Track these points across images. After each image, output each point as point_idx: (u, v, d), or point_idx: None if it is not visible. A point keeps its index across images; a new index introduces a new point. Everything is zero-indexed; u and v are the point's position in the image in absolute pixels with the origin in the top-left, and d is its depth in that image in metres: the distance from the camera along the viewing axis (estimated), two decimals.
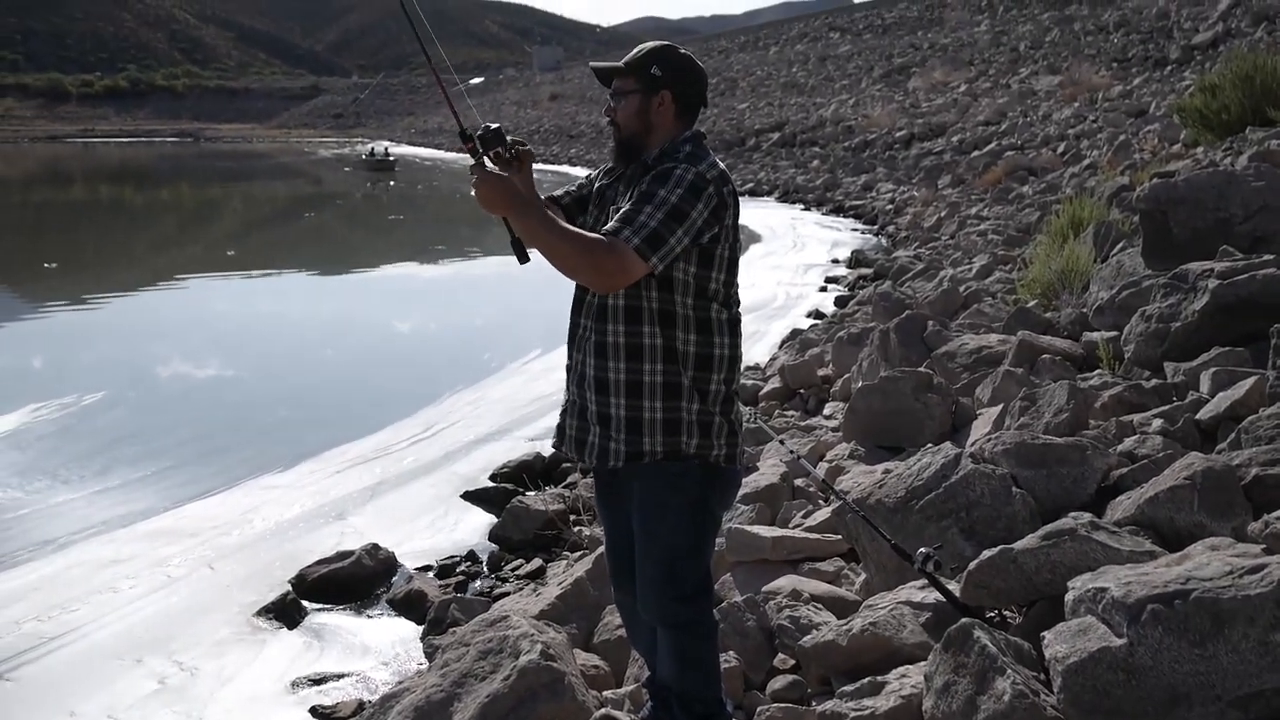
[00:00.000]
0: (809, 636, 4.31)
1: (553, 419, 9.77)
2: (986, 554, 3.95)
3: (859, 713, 3.69)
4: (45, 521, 8.22)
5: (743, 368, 3.67)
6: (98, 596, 6.95)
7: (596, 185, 3.73)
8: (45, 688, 5.90)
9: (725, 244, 3.45)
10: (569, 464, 8.99)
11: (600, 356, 3.49)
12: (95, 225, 38.51)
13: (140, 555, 7.59)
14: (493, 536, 7.86)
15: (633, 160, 3.57)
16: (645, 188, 3.33)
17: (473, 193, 3.36)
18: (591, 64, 3.78)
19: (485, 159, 3.43)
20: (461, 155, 3.76)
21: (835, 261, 21.23)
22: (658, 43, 3.63)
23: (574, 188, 3.83)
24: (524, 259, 3.45)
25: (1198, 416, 5.35)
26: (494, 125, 3.53)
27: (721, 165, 3.47)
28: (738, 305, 3.60)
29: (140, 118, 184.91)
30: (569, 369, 3.68)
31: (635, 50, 3.61)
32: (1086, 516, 3.97)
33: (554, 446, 3.81)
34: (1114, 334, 7.27)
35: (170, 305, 19.97)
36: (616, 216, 3.30)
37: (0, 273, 24.53)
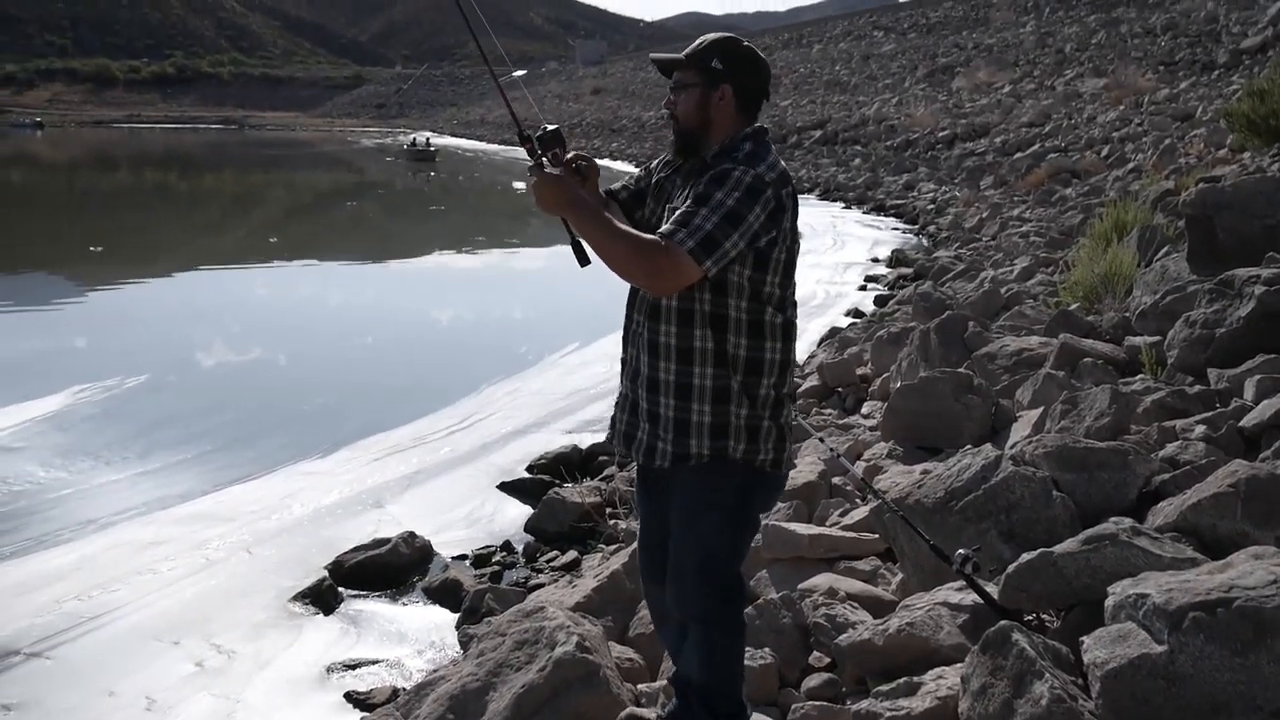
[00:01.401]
0: (845, 635, 4.31)
1: (590, 412, 9.74)
2: (1026, 557, 3.93)
3: (894, 713, 3.68)
4: (87, 502, 8.30)
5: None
6: (137, 578, 7.01)
7: (655, 178, 3.70)
8: (84, 667, 5.95)
9: (782, 247, 3.39)
10: (607, 456, 9.01)
11: (652, 355, 3.48)
12: (140, 210, 38.84)
13: (180, 538, 7.65)
14: (528, 528, 7.89)
15: (692, 154, 3.52)
16: (702, 189, 3.28)
17: (530, 193, 3.37)
18: (652, 55, 3.74)
19: (544, 160, 3.44)
20: (504, 147, 3.77)
21: (875, 260, 21.14)
22: (720, 34, 3.59)
23: (631, 181, 3.80)
24: (584, 261, 3.46)
25: (1241, 424, 5.31)
26: (552, 126, 3.54)
27: (782, 165, 3.42)
28: (794, 308, 3.54)
29: (186, 104, 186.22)
30: (624, 363, 3.66)
31: (697, 42, 3.56)
32: (1128, 522, 3.94)
33: (607, 439, 3.80)
34: (1157, 339, 7.22)
35: (212, 290, 20.13)
36: (672, 218, 3.27)
37: (48, 256, 24.78)
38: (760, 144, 3.45)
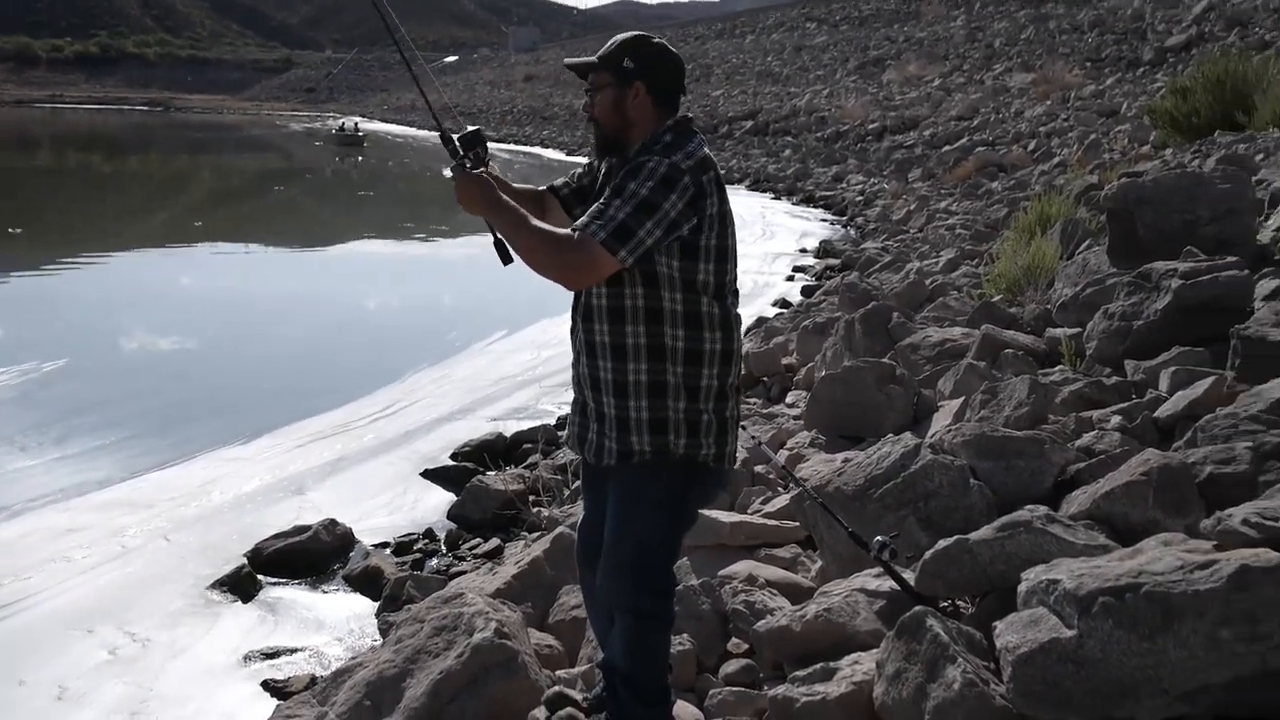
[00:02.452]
0: (763, 621, 4.32)
1: (516, 400, 9.70)
2: (942, 544, 3.97)
3: (810, 698, 3.70)
4: (1, 488, 8.15)
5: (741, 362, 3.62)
6: (51, 565, 6.90)
7: (602, 170, 3.68)
8: None
9: (710, 234, 3.37)
10: (531, 444, 9.01)
11: (590, 355, 3.49)
12: (62, 192, 38.09)
13: (96, 525, 7.54)
14: (451, 515, 7.85)
15: (615, 153, 3.53)
16: (618, 182, 3.29)
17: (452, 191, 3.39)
18: (566, 61, 3.73)
19: (466, 160, 3.45)
20: (434, 133, 3.76)
21: (803, 251, 21.26)
22: (630, 34, 3.59)
23: (573, 177, 3.80)
24: (507, 260, 3.48)
25: (1156, 414, 5.39)
26: (473, 127, 3.54)
27: (703, 152, 3.40)
28: (735, 297, 3.53)
29: (111, 85, 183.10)
30: (573, 365, 3.67)
31: (609, 43, 3.56)
32: (1042, 509, 3.99)
33: (565, 442, 3.82)
34: (1077, 331, 7.31)
35: (136, 275, 19.84)
36: (588, 213, 3.28)
37: None
38: (681, 134, 3.44)
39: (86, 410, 10.20)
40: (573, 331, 3.60)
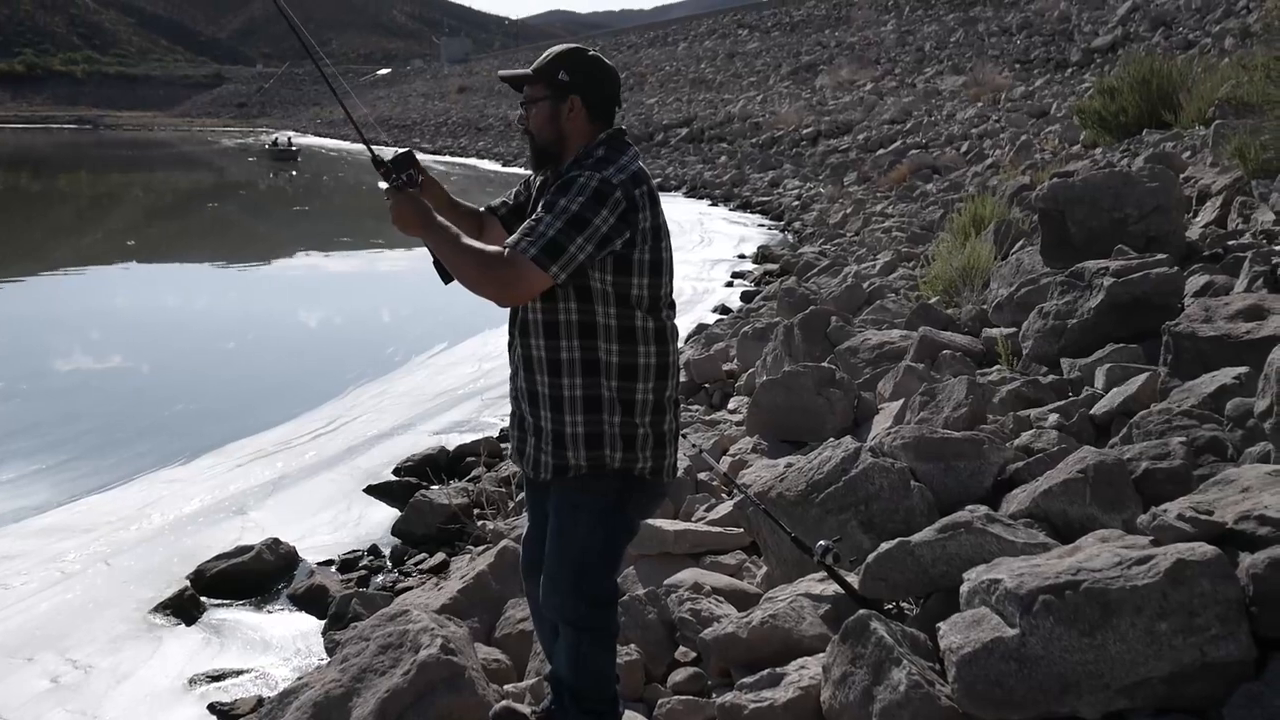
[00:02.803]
0: (710, 629, 4.34)
1: (458, 413, 9.69)
2: (884, 546, 4.00)
3: (758, 704, 3.72)
4: None
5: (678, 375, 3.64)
6: None
7: (534, 191, 3.69)
8: None
9: (643, 248, 3.38)
10: (475, 457, 8.97)
11: (528, 369, 3.51)
12: None
13: (33, 551, 7.44)
14: (396, 530, 7.81)
15: (550, 166, 3.54)
16: (549, 197, 3.31)
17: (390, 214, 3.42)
18: (500, 73, 3.77)
19: (400, 180, 3.47)
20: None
21: (742, 257, 21.31)
22: (565, 46, 3.61)
23: (510, 196, 3.82)
24: (446, 279, 3.51)
25: (1092, 412, 5.47)
26: (403, 149, 3.58)
27: (636, 166, 3.43)
28: (670, 310, 3.54)
29: (37, 103, 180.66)
30: (511, 379, 3.68)
31: (543, 55, 3.57)
32: (983, 509, 4.04)
33: (509, 455, 3.85)
34: (1013, 330, 7.40)
35: (68, 295, 19.54)
36: (519, 230, 3.29)
37: None
38: (614, 148, 3.46)
39: (20, 434, 10.06)
40: (510, 346, 3.62)
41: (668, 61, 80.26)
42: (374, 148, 3.69)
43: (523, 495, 5.35)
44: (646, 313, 3.44)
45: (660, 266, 3.46)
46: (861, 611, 3.61)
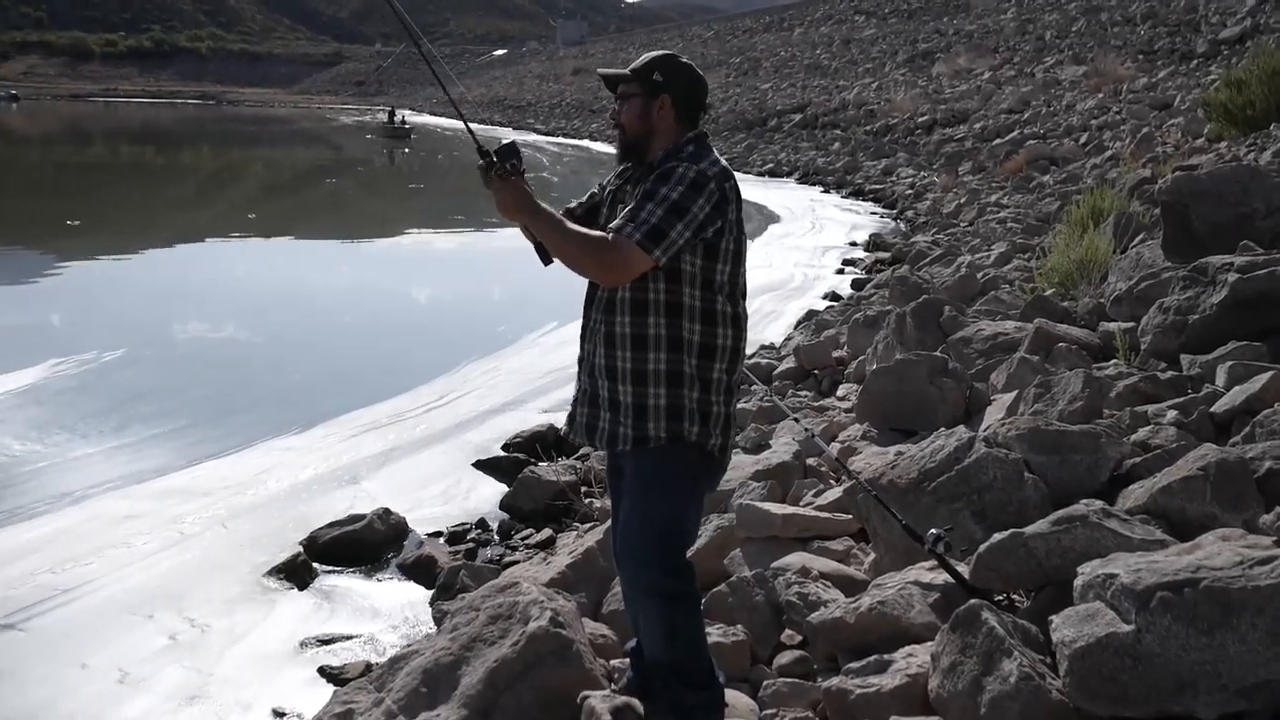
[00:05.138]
0: (817, 613, 4.34)
1: (567, 391, 9.79)
2: (997, 537, 3.97)
3: (865, 690, 3.72)
4: (62, 475, 8.28)
5: (748, 352, 3.80)
6: (111, 551, 7.00)
7: (608, 191, 3.93)
8: (57, 639, 5.95)
9: (729, 238, 3.61)
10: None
11: (609, 346, 3.67)
12: (117, 185, 38.53)
13: (154, 512, 7.64)
14: (504, 505, 7.90)
15: (636, 159, 3.76)
16: (649, 186, 3.54)
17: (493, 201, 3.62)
18: (600, 71, 4.02)
19: (504, 169, 3.62)
20: (484, 127, 3.94)
21: (853, 244, 21.17)
22: (661, 52, 3.88)
23: (585, 198, 4.03)
24: (546, 261, 3.81)
25: (1212, 410, 5.36)
26: (508, 141, 3.74)
27: (724, 163, 3.65)
28: (743, 301, 3.75)
29: (163, 79, 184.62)
30: (580, 360, 3.87)
31: (641, 58, 3.82)
32: (1098, 504, 3.98)
33: (564, 434, 3.98)
34: (1131, 325, 7.27)
35: (190, 266, 20.06)
36: (622, 215, 3.51)
37: (25, 229, 24.56)
38: (702, 146, 3.71)
39: (144, 399, 10.33)
40: (587, 327, 3.82)
41: (783, 47, 79.82)
42: (478, 136, 3.87)
43: None
44: (726, 298, 3.67)
45: (740, 257, 3.70)
46: (973, 601, 3.59)
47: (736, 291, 3.70)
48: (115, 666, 5.65)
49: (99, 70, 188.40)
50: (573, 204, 4.05)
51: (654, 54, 3.84)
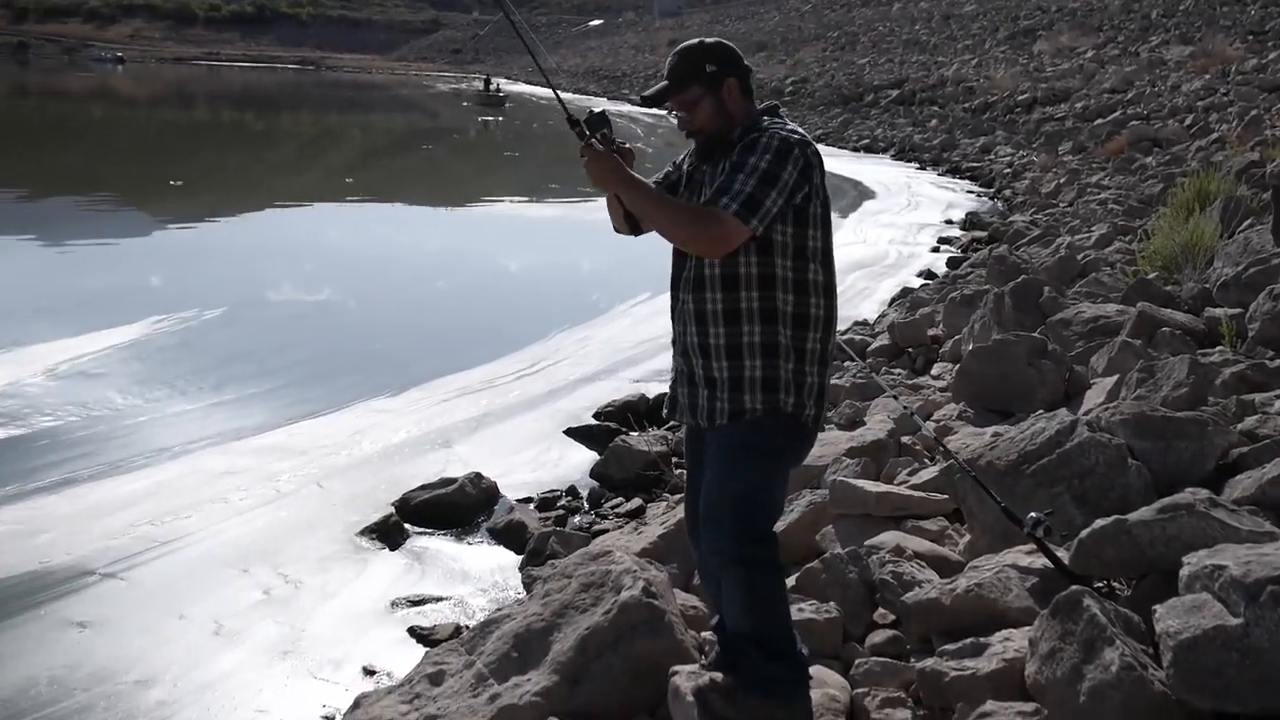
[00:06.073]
0: (911, 593, 4.29)
1: (658, 362, 9.81)
2: (1100, 523, 3.89)
3: (960, 672, 3.67)
4: (162, 430, 8.47)
5: (840, 328, 3.75)
6: (209, 506, 7.15)
7: (685, 169, 3.86)
8: (156, 590, 6.10)
9: (816, 202, 3.57)
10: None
11: (700, 323, 3.63)
12: (219, 147, 39.17)
13: (251, 469, 7.79)
14: (594, 473, 7.94)
15: (720, 151, 3.67)
16: (736, 158, 3.51)
17: (585, 170, 3.59)
18: (643, 95, 3.93)
19: (594, 140, 3.60)
20: (578, 96, 3.94)
21: (949, 222, 20.93)
22: (689, 42, 3.78)
23: (661, 176, 3.94)
24: (637, 233, 3.78)
25: None
26: (598, 109, 3.73)
27: (802, 130, 3.59)
28: (833, 267, 3.71)
29: (264, 44, 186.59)
30: (673, 341, 3.83)
31: (674, 59, 3.72)
32: (1204, 493, 3.89)
33: (665, 416, 3.99)
34: (1238, 311, 7.11)
35: (289, 228, 20.46)
36: (713, 189, 3.48)
37: (131, 189, 25.10)
38: (777, 116, 3.67)
39: (242, 358, 10.52)
40: (675, 307, 3.77)
41: (881, 21, 78.90)
42: (568, 106, 3.84)
43: None
44: (819, 265, 3.62)
45: (829, 222, 3.65)
46: (1073, 587, 3.52)
47: (830, 257, 3.67)
48: (211, 618, 5.77)
49: (202, 34, 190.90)
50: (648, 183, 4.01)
51: (685, 47, 3.74)
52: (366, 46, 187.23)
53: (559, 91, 4.13)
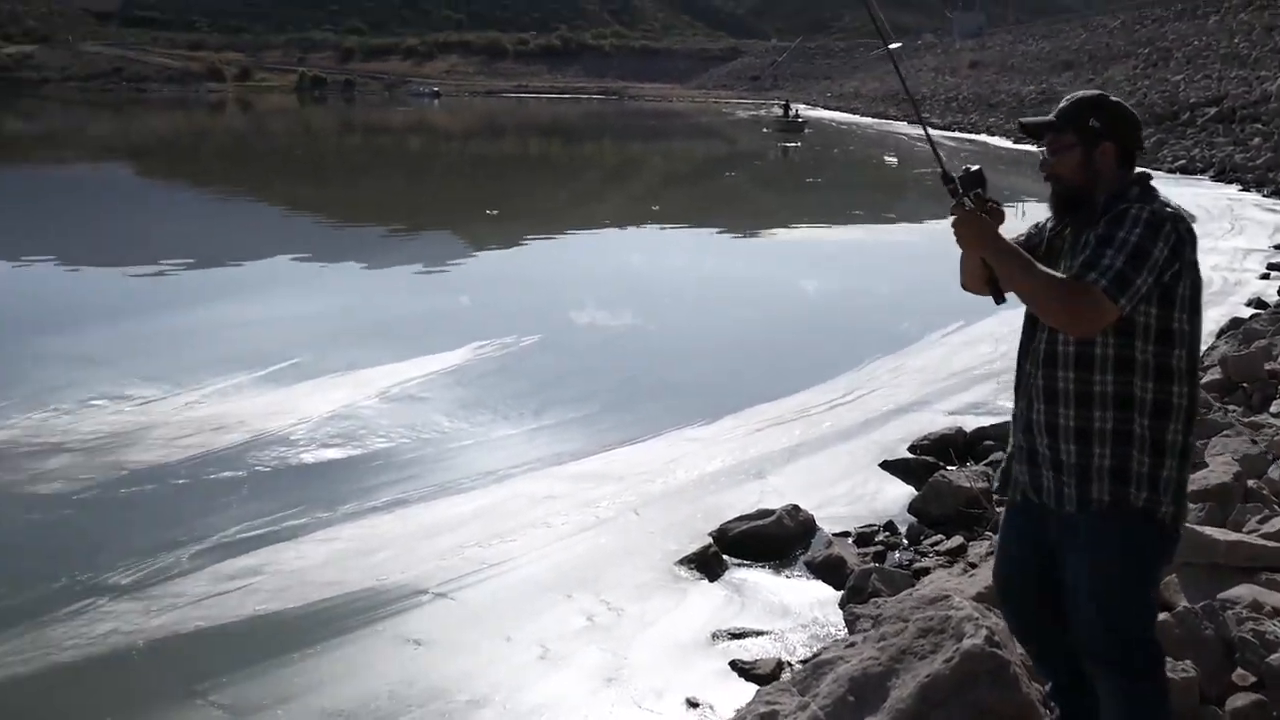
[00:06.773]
0: (1276, 655, 4.01)
1: (974, 394, 9.59)
2: None
3: None
4: (487, 453, 8.76)
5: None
6: (532, 530, 7.33)
7: (1045, 236, 3.69)
8: (483, 611, 6.27)
9: (1186, 281, 3.34)
10: (993, 441, 8.74)
11: (1049, 402, 3.47)
12: (528, 175, 40.67)
13: (571, 494, 7.95)
14: (912, 509, 7.76)
15: (1074, 212, 3.53)
16: (1103, 230, 3.32)
17: (953, 232, 3.49)
18: (1022, 120, 3.80)
19: (965, 200, 3.50)
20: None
21: (1278, 248, 19.72)
22: (1089, 92, 3.62)
23: (1021, 236, 3.78)
24: (1000, 300, 3.58)
25: None
26: (974, 167, 3.60)
27: (1175, 203, 3.40)
28: (1198, 352, 3.47)
29: (569, 75, 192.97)
30: (1015, 416, 3.67)
31: (1066, 102, 3.59)
32: None
33: (996, 492, 3.81)
34: None
35: (596, 254, 21.07)
36: (1078, 263, 3.29)
37: (451, 217, 26.43)
38: (1148, 188, 3.45)
39: (559, 384, 10.78)
40: (1021, 380, 3.61)
41: (1196, 36, 75.20)
42: (946, 167, 3.67)
43: None
44: (1185, 350, 3.39)
45: (1199, 304, 3.40)
46: None
47: (1197, 342, 3.44)
48: (537, 641, 5.89)
49: (511, 68, 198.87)
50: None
51: (1082, 95, 3.60)
52: (666, 75, 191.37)
53: (935, 144, 3.98)
